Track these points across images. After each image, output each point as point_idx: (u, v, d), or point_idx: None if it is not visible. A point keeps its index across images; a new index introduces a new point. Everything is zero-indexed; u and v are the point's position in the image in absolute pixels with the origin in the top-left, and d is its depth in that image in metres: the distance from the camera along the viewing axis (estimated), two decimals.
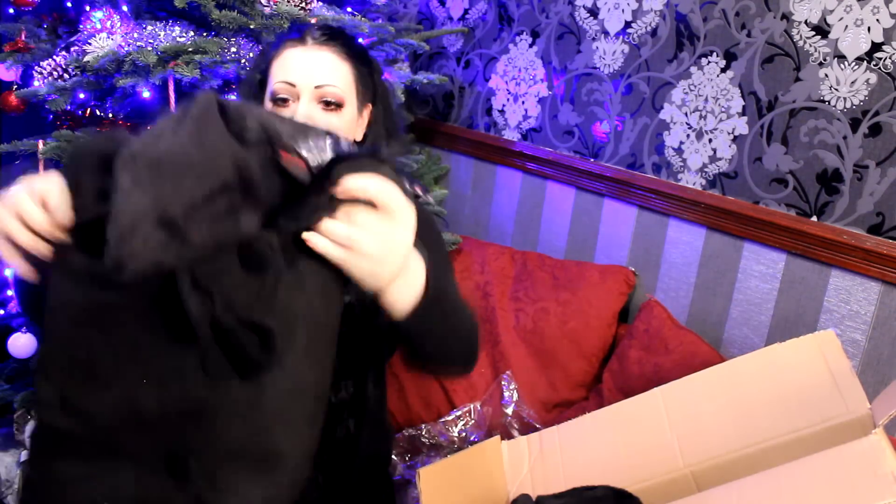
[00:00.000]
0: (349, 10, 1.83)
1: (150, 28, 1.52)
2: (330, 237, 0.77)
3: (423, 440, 1.70)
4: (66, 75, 1.59)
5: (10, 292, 1.72)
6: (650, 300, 1.73)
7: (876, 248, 1.42)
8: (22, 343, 1.62)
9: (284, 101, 1.12)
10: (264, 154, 0.76)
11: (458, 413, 1.73)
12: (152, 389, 0.74)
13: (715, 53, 1.66)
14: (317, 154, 0.78)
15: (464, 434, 1.69)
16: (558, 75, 2.00)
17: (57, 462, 0.78)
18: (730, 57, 1.63)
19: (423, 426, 1.72)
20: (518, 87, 2.11)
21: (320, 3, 1.70)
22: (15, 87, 1.73)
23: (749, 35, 1.60)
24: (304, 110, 1.11)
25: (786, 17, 1.53)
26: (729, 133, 1.65)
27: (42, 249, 0.79)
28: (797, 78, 1.53)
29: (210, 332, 0.71)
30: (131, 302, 0.74)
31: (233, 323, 0.71)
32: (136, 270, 0.66)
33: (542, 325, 1.79)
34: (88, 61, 1.50)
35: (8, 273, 1.64)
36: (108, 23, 1.54)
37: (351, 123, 1.16)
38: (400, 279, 0.84)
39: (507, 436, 1.58)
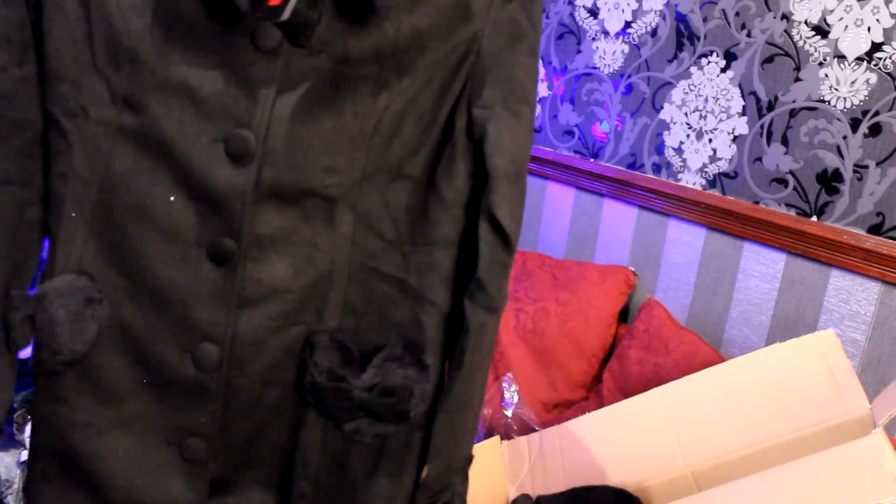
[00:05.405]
0: None
1: None
2: None
3: None
4: None
5: None
6: (650, 300, 1.73)
7: (876, 248, 1.42)
8: None
9: None
10: None
11: None
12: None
13: (715, 53, 1.66)
14: None
15: None
16: (558, 75, 2.00)
17: None
18: (730, 57, 1.63)
19: None
20: None
21: None
22: None
23: (749, 35, 1.60)
24: None
25: (786, 17, 1.53)
26: (729, 133, 1.65)
27: None
28: (797, 78, 1.53)
29: None
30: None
31: None
32: None
33: (542, 325, 1.79)
34: None
35: None
36: None
37: None
38: None
39: (506, 437, 1.58)
